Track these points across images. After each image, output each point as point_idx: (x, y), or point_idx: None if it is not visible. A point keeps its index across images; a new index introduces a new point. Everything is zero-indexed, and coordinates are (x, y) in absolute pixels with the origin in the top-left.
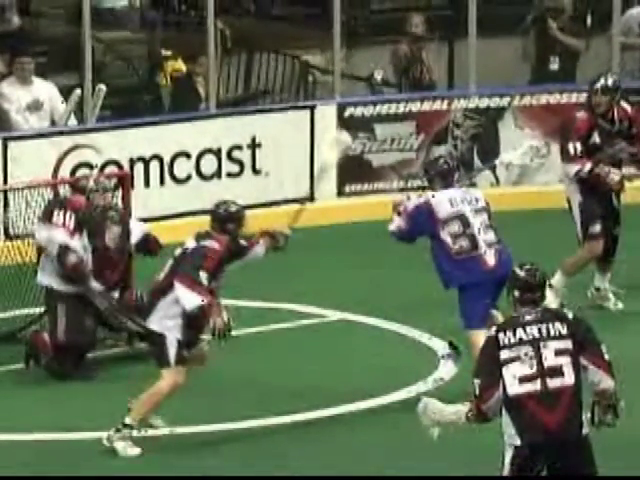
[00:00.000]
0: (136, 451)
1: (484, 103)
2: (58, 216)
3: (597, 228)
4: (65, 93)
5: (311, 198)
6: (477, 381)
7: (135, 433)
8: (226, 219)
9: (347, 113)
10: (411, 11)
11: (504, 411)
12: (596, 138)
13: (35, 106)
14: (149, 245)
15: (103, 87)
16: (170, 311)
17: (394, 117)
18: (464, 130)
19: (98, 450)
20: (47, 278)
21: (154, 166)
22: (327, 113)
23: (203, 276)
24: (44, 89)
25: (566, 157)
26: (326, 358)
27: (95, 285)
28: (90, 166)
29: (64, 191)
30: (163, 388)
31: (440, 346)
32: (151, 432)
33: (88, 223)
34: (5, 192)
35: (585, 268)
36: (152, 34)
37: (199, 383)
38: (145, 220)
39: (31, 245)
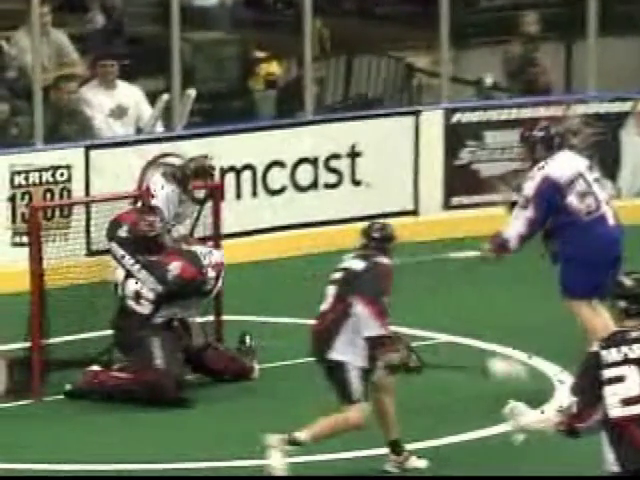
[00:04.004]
0: (279, 471)
1: (604, 108)
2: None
3: None
4: (152, 98)
5: (415, 211)
6: (575, 399)
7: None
8: (385, 239)
9: (454, 119)
10: (524, 9)
11: (603, 434)
12: None
13: (119, 112)
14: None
15: (192, 92)
16: (351, 338)
17: (505, 124)
18: (582, 138)
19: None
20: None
21: (246, 176)
22: (433, 119)
23: (385, 301)
24: (129, 94)
25: None
26: (435, 382)
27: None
28: None
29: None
30: (348, 421)
31: (553, 369)
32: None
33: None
34: (87, 204)
35: None
36: (245, 35)
37: (308, 412)
38: (237, 234)
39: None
